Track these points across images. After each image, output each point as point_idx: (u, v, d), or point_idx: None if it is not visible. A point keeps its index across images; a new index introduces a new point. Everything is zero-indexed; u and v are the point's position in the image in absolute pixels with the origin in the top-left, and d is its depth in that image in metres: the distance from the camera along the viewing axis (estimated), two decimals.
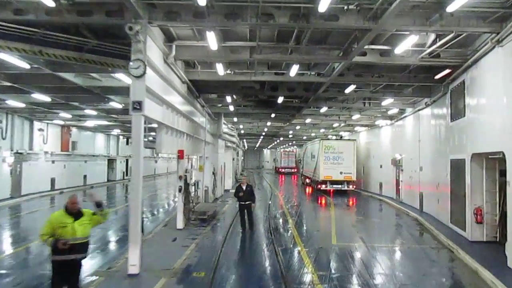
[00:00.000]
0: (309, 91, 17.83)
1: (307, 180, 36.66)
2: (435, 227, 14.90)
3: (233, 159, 33.94)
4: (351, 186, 29.11)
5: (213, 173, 25.33)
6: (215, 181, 25.86)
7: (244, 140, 60.04)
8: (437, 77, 14.36)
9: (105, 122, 28.86)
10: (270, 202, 24.25)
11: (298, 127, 34.72)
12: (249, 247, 12.94)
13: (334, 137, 39.93)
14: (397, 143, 24.81)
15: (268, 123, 31.62)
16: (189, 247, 11.78)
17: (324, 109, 22.68)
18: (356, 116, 25.21)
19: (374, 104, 21.26)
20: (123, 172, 46.46)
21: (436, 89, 17.09)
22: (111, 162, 43.63)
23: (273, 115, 25.71)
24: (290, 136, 46.62)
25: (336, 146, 29.54)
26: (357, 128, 33.36)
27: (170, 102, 12.41)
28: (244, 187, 14.09)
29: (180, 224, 14.77)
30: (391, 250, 12.53)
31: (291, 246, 12.46)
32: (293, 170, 60.43)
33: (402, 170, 23.56)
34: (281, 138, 53.11)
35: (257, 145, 76.83)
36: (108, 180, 41.70)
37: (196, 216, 16.67)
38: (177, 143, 13.93)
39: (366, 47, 11.44)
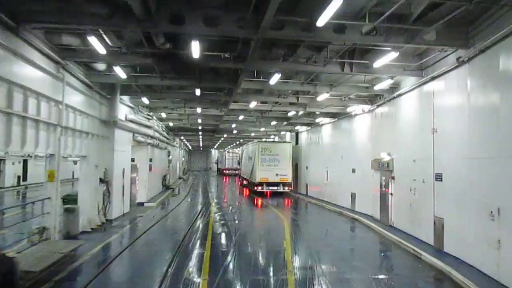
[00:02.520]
0: (245, 25, 8.94)
1: (245, 182, 37.17)
2: None
3: (150, 159, 24.27)
4: (286, 188, 29.23)
5: (103, 180, 16.18)
6: (109, 194, 16.61)
7: (182, 138, 50.26)
8: None
9: None
10: (194, 229, 15.36)
11: (241, 117, 25.70)
12: None
13: (288, 134, 35.16)
14: (383, 137, 16.67)
15: (198, 110, 22.27)
16: None
17: (275, 79, 13.77)
18: (323, 96, 16.71)
19: (360, 67, 12.72)
20: (18, 177, 36.61)
21: (490, 25, 8.87)
22: None
23: (198, 92, 16.52)
24: (235, 131, 37.56)
25: (273, 148, 30.00)
26: (319, 120, 25.00)
27: None
28: None
29: None
30: None
31: None
32: (236, 172, 58.41)
33: (393, 178, 15.39)
34: (225, 135, 43.91)
35: (200, 145, 67.33)
36: None
37: None
38: None
39: None
